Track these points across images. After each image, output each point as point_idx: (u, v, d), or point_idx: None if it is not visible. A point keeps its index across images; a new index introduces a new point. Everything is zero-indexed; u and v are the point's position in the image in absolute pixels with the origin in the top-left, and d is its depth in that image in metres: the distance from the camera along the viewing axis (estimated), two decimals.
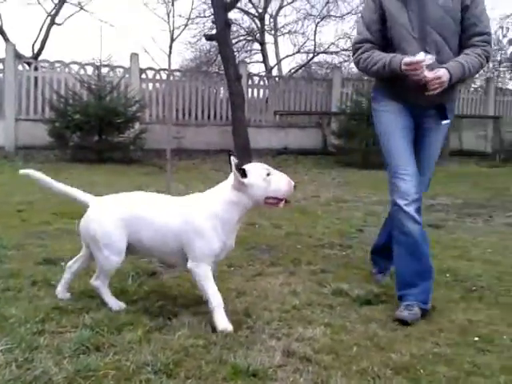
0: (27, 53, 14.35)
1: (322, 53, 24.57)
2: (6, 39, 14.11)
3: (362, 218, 5.24)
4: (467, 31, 2.69)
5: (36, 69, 10.93)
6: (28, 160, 9.49)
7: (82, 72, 10.92)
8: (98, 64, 10.55)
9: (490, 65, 27.63)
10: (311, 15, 23.31)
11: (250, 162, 9.04)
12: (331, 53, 23.94)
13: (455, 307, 2.78)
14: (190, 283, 3.00)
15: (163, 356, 2.05)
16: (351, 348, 2.22)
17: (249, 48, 25.63)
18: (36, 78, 10.78)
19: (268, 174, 2.41)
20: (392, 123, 2.78)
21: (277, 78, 13.62)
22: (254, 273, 3.29)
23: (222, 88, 11.98)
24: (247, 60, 24.85)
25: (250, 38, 24.58)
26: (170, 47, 5.36)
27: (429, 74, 2.52)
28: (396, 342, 2.31)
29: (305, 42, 24.52)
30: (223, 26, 9.40)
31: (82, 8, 14.22)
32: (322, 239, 4.25)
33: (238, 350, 2.14)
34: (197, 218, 2.43)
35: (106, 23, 21.82)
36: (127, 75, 11.20)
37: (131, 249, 2.57)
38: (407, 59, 2.56)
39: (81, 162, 9.25)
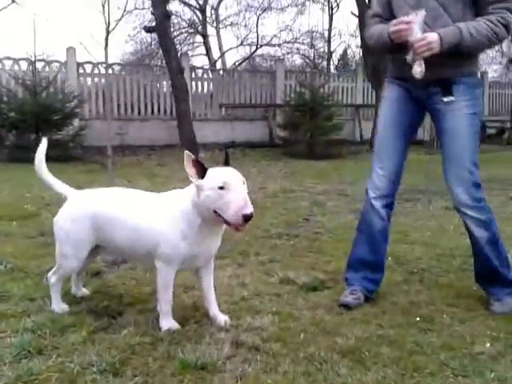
0: None
1: (265, 45, 24.73)
2: None
3: (308, 207, 5.32)
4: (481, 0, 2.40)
5: None
6: None
7: (16, 68, 10.43)
8: (33, 59, 10.09)
9: None
10: (252, 7, 23.34)
11: (197, 155, 8.94)
12: (274, 45, 24.14)
13: (397, 290, 2.88)
14: (135, 281, 2.97)
15: (109, 355, 2.01)
16: (299, 335, 2.25)
17: (191, 41, 25.40)
18: None
19: (221, 188, 2.06)
20: (387, 113, 2.68)
21: (221, 71, 13.52)
22: None
23: (164, 82, 11.79)
24: (190, 53, 24.65)
25: (191, 30, 24.35)
26: (106, 39, 5.06)
27: (413, 36, 2.30)
28: (342, 326, 2.37)
29: (247, 35, 24.60)
30: (162, 17, 9.24)
31: (13, 1, 13.57)
32: (270, 230, 4.28)
33: (186, 345, 2.13)
34: (161, 218, 2.27)
35: (39, 16, 21.06)
36: (64, 70, 10.80)
37: (104, 249, 2.52)
38: (393, 21, 2.40)
39: (18, 161, 8.86)
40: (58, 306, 2.48)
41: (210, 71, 12.84)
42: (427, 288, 2.92)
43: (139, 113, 11.68)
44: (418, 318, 2.44)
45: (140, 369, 1.93)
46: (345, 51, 26.22)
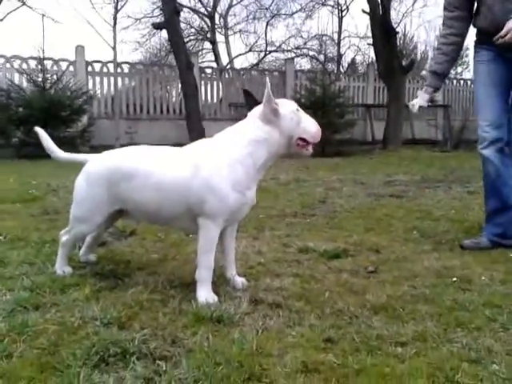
0: None
1: (274, 51, 24.63)
2: None
3: (323, 192, 5.09)
4: None
5: None
6: None
7: (24, 66, 10.36)
8: (42, 57, 10.02)
9: None
10: (261, 8, 23.27)
11: None
12: (283, 51, 24.02)
13: (428, 256, 2.65)
14: (144, 249, 2.77)
15: (114, 310, 1.81)
16: (323, 294, 2.04)
17: (200, 47, 25.39)
18: None
19: (297, 109, 2.08)
20: (482, 73, 2.92)
21: (230, 71, 13.38)
22: None
23: (174, 82, 11.68)
24: (199, 60, 24.64)
25: (200, 36, 24.36)
26: (114, 39, 4.99)
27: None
28: (370, 287, 2.15)
29: (256, 41, 24.52)
30: (172, 12, 9.13)
31: (24, 3, 13.57)
32: (284, 209, 4.07)
33: (199, 302, 1.92)
34: (214, 168, 1.96)
35: (48, 18, 21.16)
36: (72, 68, 10.71)
37: (127, 213, 2.21)
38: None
39: (26, 157, 8.74)
40: (61, 267, 2.28)
41: (218, 71, 12.68)
42: (459, 255, 2.69)
43: (148, 112, 11.55)
44: (454, 279, 2.21)
45: (149, 323, 1.73)
46: (353, 59, 26.09)
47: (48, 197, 4.70)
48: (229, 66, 18.16)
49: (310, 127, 2.07)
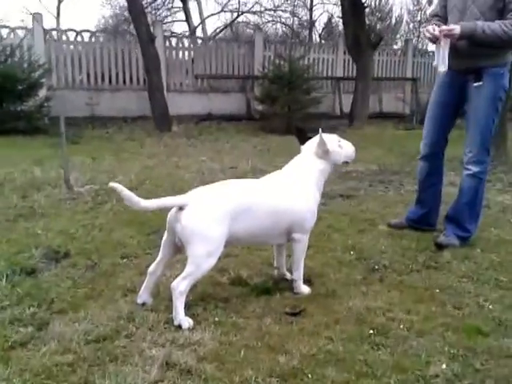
0: None
1: (246, 12, 23.99)
2: None
3: None
4: (506, 9, 3.12)
5: None
6: None
7: None
8: None
9: (410, 26, 28.18)
10: None
11: (170, 129, 8.57)
12: (255, 12, 23.41)
13: (355, 291, 2.68)
14: (71, 281, 2.72)
15: (19, 382, 1.77)
16: (239, 352, 2.04)
17: (170, 5, 24.52)
18: None
19: (339, 141, 2.76)
20: (435, 92, 3.54)
21: (198, 40, 12.97)
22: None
23: (137, 50, 11.27)
24: (169, 19, 23.83)
25: None
26: (58, 8, 4.59)
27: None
28: (288, 339, 2.16)
29: (229, 1, 23.80)
30: None
31: None
32: None
33: (109, 367, 1.91)
34: (306, 194, 2.61)
35: None
36: (29, 36, 10.23)
37: (229, 241, 2.43)
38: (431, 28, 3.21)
39: None
40: (184, 318, 2.27)
41: (185, 39, 12.29)
42: (387, 289, 2.73)
43: (110, 82, 11.20)
44: (371, 331, 2.24)
45: None
46: (329, 20, 25.58)
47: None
48: (200, 34, 17.63)
49: (350, 153, 2.81)
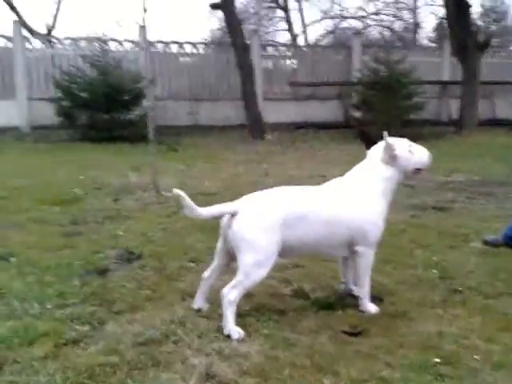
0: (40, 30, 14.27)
1: (349, 18, 23.59)
2: (19, 16, 14.04)
3: None
4: None
5: (51, 45, 10.82)
6: (39, 140, 9.41)
7: (91, 48, 10.68)
8: (106, 38, 10.33)
9: None
10: None
11: (263, 137, 8.63)
12: (358, 17, 22.92)
13: (429, 314, 2.41)
14: (136, 282, 2.76)
15: (61, 379, 1.80)
16: (283, 369, 1.91)
17: (271, 15, 24.86)
18: (52, 56, 10.63)
19: (410, 145, 2.51)
20: None
21: (292, 48, 12.95)
22: None
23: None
24: (271, 29, 24.17)
25: (272, 4, 23.86)
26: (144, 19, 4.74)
27: None
28: (340, 360, 1.98)
29: (331, 7, 23.59)
30: None
31: None
32: None
33: (149, 372, 1.87)
34: (368, 204, 2.40)
35: None
36: (137, 49, 10.90)
37: (282, 252, 2.30)
38: None
39: (90, 140, 9.11)
40: (235, 329, 2.17)
41: (281, 48, 12.33)
42: (468, 313, 2.42)
43: (210, 93, 11.55)
44: (437, 359, 1.98)
45: None
46: (440, 22, 24.28)
47: (88, 198, 4.86)
48: (302, 42, 17.65)
49: (422, 159, 2.53)
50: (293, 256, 2.68)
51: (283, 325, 2.28)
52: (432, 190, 5.36)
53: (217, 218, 2.34)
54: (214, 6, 10.20)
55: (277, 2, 24.19)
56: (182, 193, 2.22)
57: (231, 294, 2.20)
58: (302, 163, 7.13)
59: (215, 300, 2.41)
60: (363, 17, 22.57)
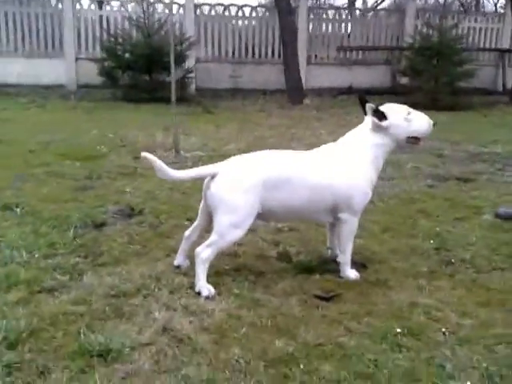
0: None
1: None
2: None
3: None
4: None
5: (101, 7, 10.97)
6: (83, 98, 9.66)
7: (137, 10, 10.73)
8: (153, 1, 10.33)
9: None
10: None
11: (302, 101, 8.47)
12: None
13: (412, 284, 2.34)
14: (128, 237, 2.83)
15: (22, 325, 1.87)
16: (242, 327, 1.92)
17: None
18: (101, 17, 10.80)
19: (408, 113, 2.39)
20: None
21: (341, 11, 12.47)
22: None
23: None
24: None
25: None
26: None
27: None
28: (302, 323, 1.97)
29: None
30: None
31: None
32: None
33: (109, 323, 1.93)
34: (355, 171, 2.33)
35: None
36: (181, 11, 10.87)
37: (263, 216, 2.31)
38: None
39: (132, 100, 9.25)
40: (205, 286, 2.18)
41: (329, 12, 11.91)
42: (453, 286, 2.34)
43: (253, 55, 11.40)
44: (399, 329, 1.92)
45: (40, 344, 1.78)
46: None
47: (110, 155, 4.97)
48: (359, 5, 16.97)
49: (420, 127, 2.40)
50: (277, 220, 2.67)
51: (257, 286, 2.29)
52: (462, 159, 5.12)
53: (200, 179, 2.34)
54: None
55: None
56: (151, 156, 2.24)
57: (204, 253, 2.21)
58: (334, 129, 6.94)
59: None
60: None
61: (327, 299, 2.17)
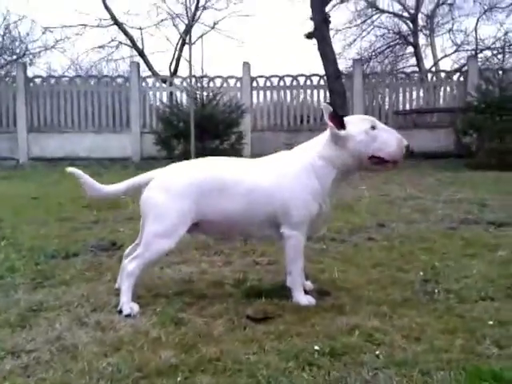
0: (166, 72, 15.62)
1: (486, 49, 21.98)
2: (146, 62, 15.58)
3: (408, 213, 4.27)
4: None
5: (170, 84, 11.74)
6: (140, 167, 10.12)
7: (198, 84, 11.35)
8: (211, 76, 10.99)
9: None
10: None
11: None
12: (494, 48, 21.24)
13: (371, 310, 1.99)
14: (89, 265, 2.72)
15: None
16: (139, 341, 1.69)
17: (401, 53, 24.25)
18: (171, 93, 11.53)
19: (373, 128, 2.09)
20: None
21: (399, 76, 12.37)
22: None
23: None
24: (400, 65, 23.55)
25: (400, 41, 23.28)
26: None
27: None
28: (211, 341, 1.70)
29: (465, 39, 22.25)
30: (320, 21, 8.93)
31: (213, 28, 14.96)
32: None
33: (4, 330, 1.80)
34: (296, 179, 2.09)
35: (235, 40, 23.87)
36: (239, 84, 11.36)
37: (201, 227, 2.14)
38: None
39: None
40: (128, 303, 1.99)
41: (385, 77, 11.88)
42: (418, 314, 1.95)
43: (308, 122, 11.49)
44: (317, 348, 1.59)
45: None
46: None
47: (133, 205, 5.01)
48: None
49: (386, 146, 2.06)
50: (217, 233, 2.41)
51: (191, 308, 2.06)
52: (507, 208, 4.56)
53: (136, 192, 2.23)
54: (308, 36, 10.27)
55: (405, 38, 23.59)
56: (76, 171, 2.17)
57: (130, 266, 2.05)
58: (377, 185, 6.63)
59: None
60: (501, 48, 20.87)
61: (259, 320, 1.89)
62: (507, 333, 1.75)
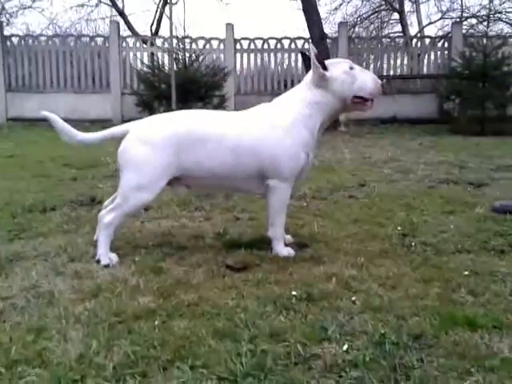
0: (147, 33, 15.22)
1: (470, 17, 21.84)
2: (126, 22, 15.16)
3: (389, 174, 4.30)
4: None
5: (152, 44, 11.44)
6: None
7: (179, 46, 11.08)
8: (194, 37, 10.72)
9: None
10: None
11: (336, 128, 8.13)
12: (479, 17, 21.09)
13: (347, 261, 2.00)
14: (67, 218, 2.68)
15: None
16: (117, 288, 1.68)
17: (387, 19, 23.96)
18: (152, 54, 11.24)
19: (351, 68, 2.12)
20: None
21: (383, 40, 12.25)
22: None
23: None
24: (386, 31, 23.33)
25: (386, 7, 22.98)
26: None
27: None
28: (190, 288, 1.71)
29: (451, 7, 22.06)
30: None
31: None
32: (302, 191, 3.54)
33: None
34: (284, 131, 2.04)
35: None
36: (222, 46, 11.13)
37: (184, 181, 2.10)
38: None
39: None
40: (106, 254, 1.98)
41: (369, 41, 11.76)
42: (395, 264, 1.97)
43: (292, 86, 11.35)
44: (295, 293, 1.60)
45: None
46: None
47: (113, 165, 4.94)
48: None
49: (365, 85, 2.10)
50: (200, 187, 2.31)
51: (170, 258, 2.05)
52: (486, 170, 4.61)
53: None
54: None
55: (391, 4, 23.29)
56: (52, 115, 2.10)
57: (107, 217, 2.02)
58: (358, 149, 6.63)
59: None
60: (487, 16, 20.72)
61: (238, 269, 1.90)
62: (482, 282, 1.78)
